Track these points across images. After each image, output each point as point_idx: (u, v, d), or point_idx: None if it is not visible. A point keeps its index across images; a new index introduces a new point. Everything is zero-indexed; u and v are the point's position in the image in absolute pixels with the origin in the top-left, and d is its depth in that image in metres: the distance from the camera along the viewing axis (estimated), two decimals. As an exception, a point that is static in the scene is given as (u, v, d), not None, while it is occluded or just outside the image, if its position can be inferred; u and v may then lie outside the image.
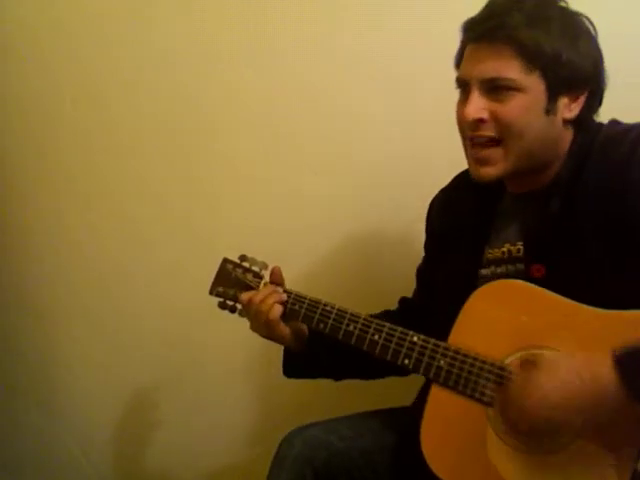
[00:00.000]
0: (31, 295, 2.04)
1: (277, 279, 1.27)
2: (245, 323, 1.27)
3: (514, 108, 1.02)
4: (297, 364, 1.31)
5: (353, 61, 1.62)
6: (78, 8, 1.87)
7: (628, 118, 1.08)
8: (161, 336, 1.87)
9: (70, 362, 2.01)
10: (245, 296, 1.24)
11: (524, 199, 1.14)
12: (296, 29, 1.66)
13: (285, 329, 1.23)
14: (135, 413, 1.94)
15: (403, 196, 1.59)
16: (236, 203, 1.78)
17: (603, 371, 0.88)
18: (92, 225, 1.93)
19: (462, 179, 1.26)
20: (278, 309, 1.21)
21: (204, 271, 1.33)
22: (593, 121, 1.11)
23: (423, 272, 1.35)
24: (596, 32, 1.07)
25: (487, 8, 1.06)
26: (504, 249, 1.14)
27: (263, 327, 1.23)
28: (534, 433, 0.96)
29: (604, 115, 1.12)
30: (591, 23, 1.07)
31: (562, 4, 1.07)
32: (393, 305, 1.40)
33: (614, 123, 1.09)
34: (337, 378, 1.36)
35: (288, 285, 1.27)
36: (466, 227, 1.20)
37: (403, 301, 1.40)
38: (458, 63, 1.11)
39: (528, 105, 1.03)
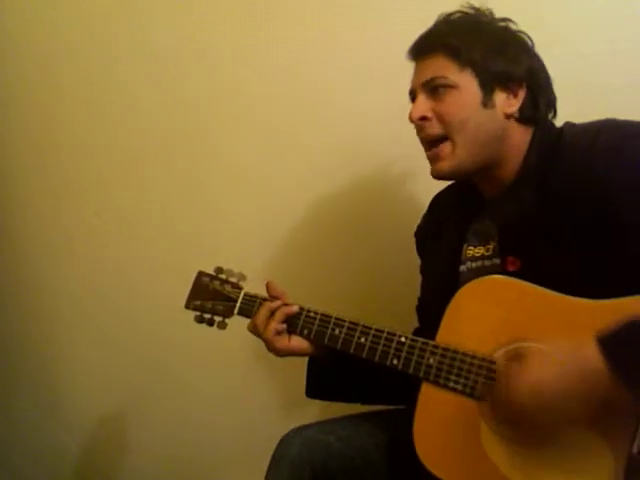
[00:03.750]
0: (30, 296, 2.03)
1: (275, 292, 1.25)
2: (243, 326, 1.26)
3: (451, 103, 1.12)
4: (324, 375, 1.28)
5: (353, 61, 1.60)
6: (77, 8, 1.86)
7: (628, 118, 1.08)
8: (160, 338, 1.87)
9: (70, 363, 2.02)
10: (250, 325, 1.24)
11: (498, 200, 1.16)
12: (296, 29, 1.65)
13: (295, 342, 1.22)
14: (135, 414, 1.95)
15: (403, 195, 1.58)
16: (237, 206, 1.77)
17: (590, 355, 0.90)
18: (91, 227, 1.92)
19: (452, 186, 1.30)
20: (274, 328, 1.20)
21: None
22: (550, 122, 1.16)
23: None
24: (532, 43, 1.16)
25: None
26: (481, 247, 1.18)
27: (273, 351, 1.23)
28: (527, 424, 0.97)
29: (603, 115, 1.10)
30: (527, 36, 1.16)
31: (485, 19, 1.16)
32: (395, 307, 1.42)
33: (571, 124, 1.13)
34: (364, 398, 1.31)
35: (294, 289, 1.25)
36: (447, 229, 1.24)
37: (416, 310, 1.39)
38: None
39: (464, 100, 1.12)
